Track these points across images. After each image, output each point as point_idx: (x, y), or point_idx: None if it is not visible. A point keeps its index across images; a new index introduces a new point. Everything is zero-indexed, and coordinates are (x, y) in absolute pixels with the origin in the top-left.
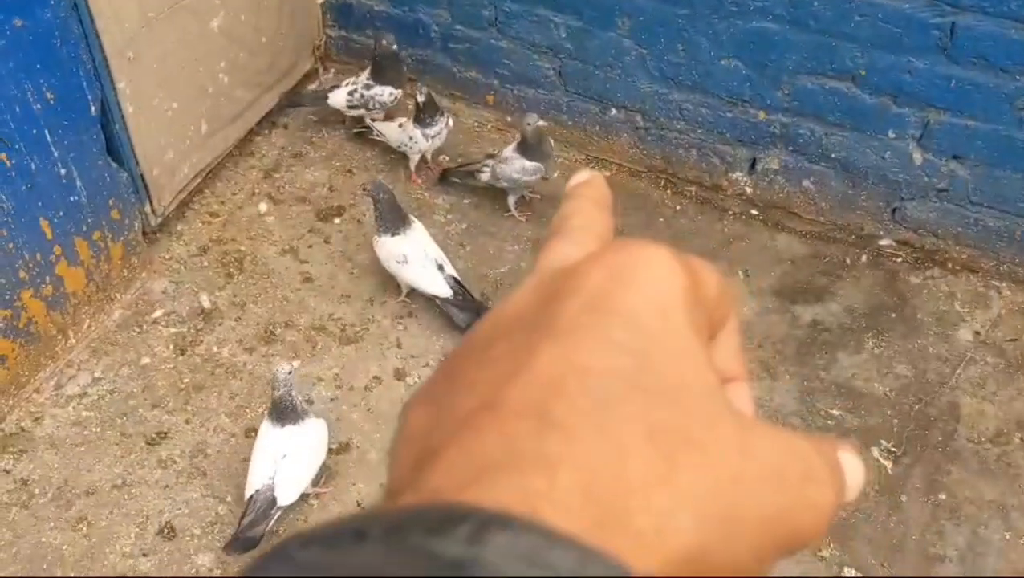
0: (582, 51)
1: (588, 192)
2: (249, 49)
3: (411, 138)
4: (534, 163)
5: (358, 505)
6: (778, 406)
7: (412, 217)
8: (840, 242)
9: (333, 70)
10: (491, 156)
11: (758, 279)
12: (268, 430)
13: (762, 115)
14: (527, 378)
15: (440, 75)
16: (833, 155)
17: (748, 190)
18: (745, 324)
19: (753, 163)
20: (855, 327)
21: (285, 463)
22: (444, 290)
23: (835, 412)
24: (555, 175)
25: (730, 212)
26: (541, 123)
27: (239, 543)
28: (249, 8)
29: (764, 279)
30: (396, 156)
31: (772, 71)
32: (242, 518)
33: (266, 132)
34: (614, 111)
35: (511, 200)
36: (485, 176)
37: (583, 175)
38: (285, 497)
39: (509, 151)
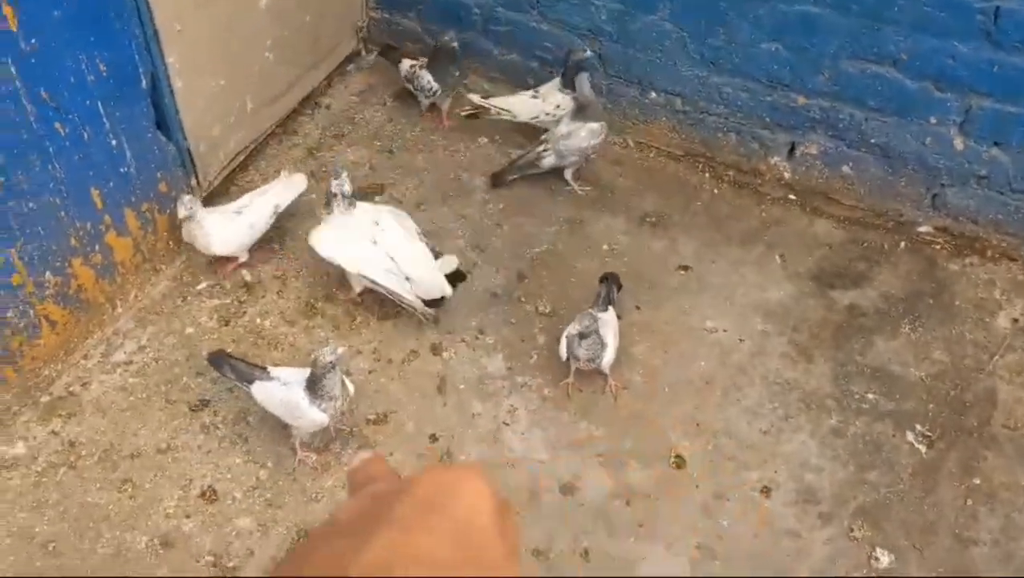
0: (623, 34)
1: (375, 466)
2: (294, 28)
3: (558, 106)
4: (599, 122)
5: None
6: (813, 389)
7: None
8: (879, 228)
9: (375, 52)
10: (542, 141)
11: (795, 263)
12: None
13: (802, 99)
14: (364, 559)
15: (482, 58)
16: (873, 140)
17: (787, 175)
18: (782, 308)
19: (792, 148)
20: (892, 313)
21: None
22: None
23: (870, 396)
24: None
25: (768, 197)
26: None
27: None
28: None
29: (801, 263)
30: (438, 138)
31: (813, 55)
32: None
33: (309, 112)
34: (654, 94)
35: (569, 174)
36: (549, 160)
37: (364, 454)
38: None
39: (565, 125)
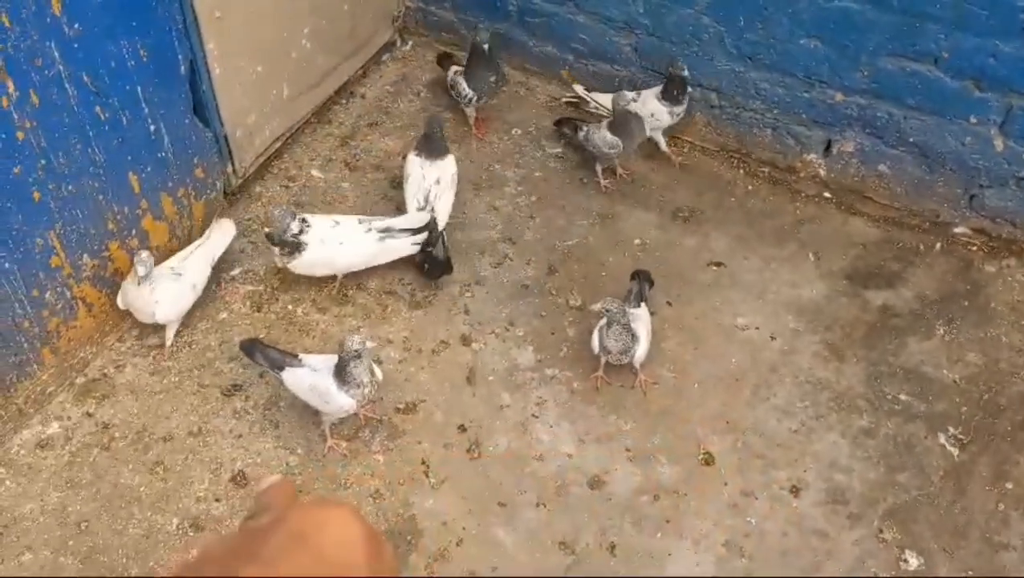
0: (659, 27)
1: (277, 491)
2: (332, 17)
3: (652, 115)
4: (615, 137)
5: (423, 462)
6: (845, 389)
7: (450, 156)
8: (914, 228)
9: (411, 42)
10: (589, 123)
11: (829, 262)
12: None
13: (839, 96)
14: None
15: (516, 50)
16: (911, 139)
17: (822, 172)
18: (815, 306)
19: (828, 145)
20: (926, 314)
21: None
22: (412, 221)
23: (903, 397)
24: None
25: (803, 194)
26: (632, 104)
27: None
28: None
29: (835, 262)
30: (472, 129)
31: (852, 51)
32: None
33: (344, 101)
34: (689, 88)
35: (598, 167)
36: (581, 135)
37: (272, 479)
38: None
39: (600, 125)
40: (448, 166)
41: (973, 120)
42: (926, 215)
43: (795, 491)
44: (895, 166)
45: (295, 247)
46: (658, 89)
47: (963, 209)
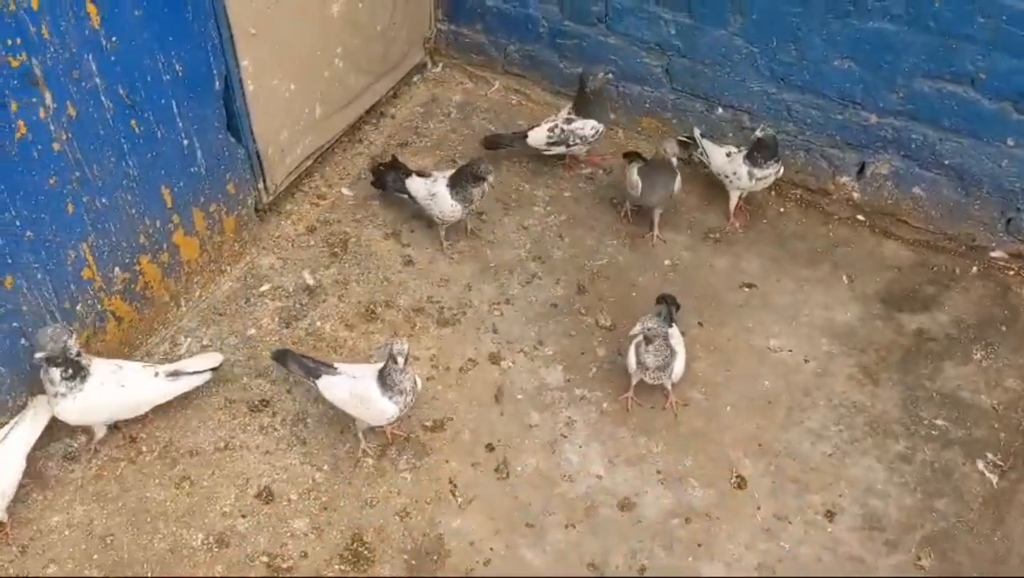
0: (691, 48)
1: None
2: (365, 37)
3: (735, 173)
4: (637, 180)
5: (450, 481)
6: (880, 413)
7: (476, 198)
8: (950, 252)
9: (441, 64)
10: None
11: (863, 284)
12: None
13: (874, 118)
14: None
15: (547, 71)
16: (947, 162)
17: (855, 195)
18: (849, 329)
19: (862, 168)
20: (963, 338)
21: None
22: (204, 363)
23: (939, 422)
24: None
25: (836, 216)
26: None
27: None
28: None
29: (869, 285)
30: (502, 150)
31: (887, 73)
32: None
33: (374, 121)
34: (720, 110)
35: (627, 204)
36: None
37: None
38: None
39: (634, 165)
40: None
41: (1011, 142)
42: (962, 239)
43: (830, 516)
44: (930, 189)
45: (77, 369)
46: (744, 151)
47: (1000, 233)
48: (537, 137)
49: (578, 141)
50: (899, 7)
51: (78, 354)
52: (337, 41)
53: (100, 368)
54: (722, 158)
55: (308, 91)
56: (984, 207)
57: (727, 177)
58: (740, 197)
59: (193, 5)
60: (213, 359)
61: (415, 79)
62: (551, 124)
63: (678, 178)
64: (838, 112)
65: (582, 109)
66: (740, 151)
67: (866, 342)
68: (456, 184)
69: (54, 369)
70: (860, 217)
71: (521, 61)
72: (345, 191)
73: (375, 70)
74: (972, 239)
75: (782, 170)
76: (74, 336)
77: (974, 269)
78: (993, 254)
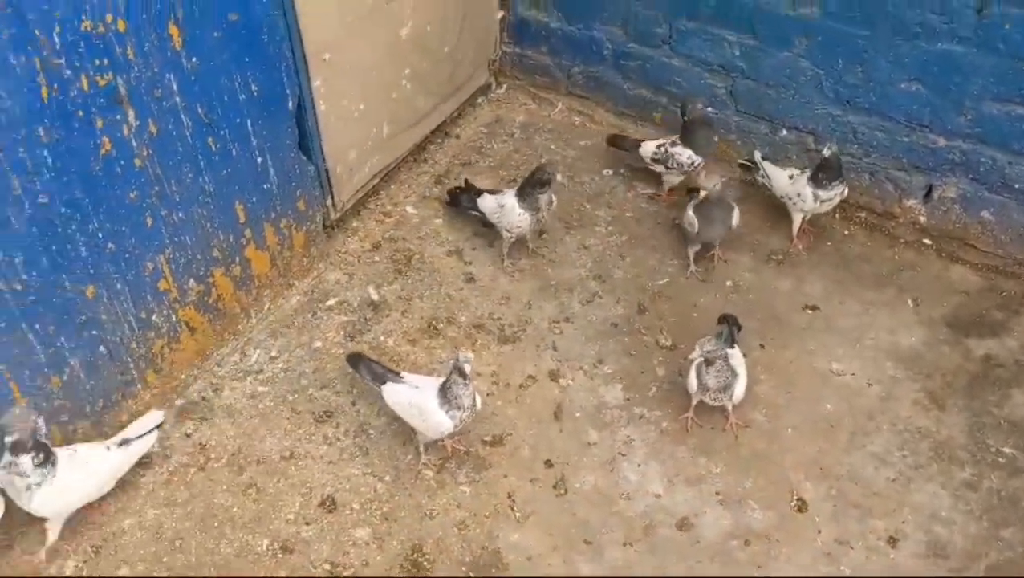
0: (755, 70)
1: None
2: (432, 59)
3: (798, 195)
4: (694, 216)
5: (509, 496)
6: (945, 439)
7: (543, 206)
8: (1019, 277)
9: (505, 85)
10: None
11: (929, 309)
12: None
13: (941, 141)
14: None
15: (610, 92)
16: (1016, 185)
17: (922, 218)
18: (914, 353)
19: (929, 191)
20: None
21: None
22: (144, 425)
23: (1007, 450)
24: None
25: (901, 240)
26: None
27: None
28: (436, 19)
29: (935, 309)
30: (564, 169)
31: (955, 95)
32: None
33: (439, 141)
34: (784, 132)
35: (689, 248)
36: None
37: None
38: None
39: (691, 201)
40: None
41: None
42: None
43: (892, 542)
44: (999, 213)
45: (48, 453)
46: (808, 173)
47: None
48: (646, 150)
49: (675, 166)
50: (967, 29)
51: (46, 436)
52: (406, 63)
53: (59, 453)
54: (785, 180)
55: (377, 111)
56: None
57: (790, 199)
58: (803, 219)
59: (269, 28)
60: (155, 418)
61: (480, 100)
62: (660, 142)
63: (736, 212)
64: (905, 134)
65: (684, 137)
66: (803, 173)
67: (932, 367)
68: (523, 193)
69: (24, 457)
70: (927, 241)
71: (585, 82)
72: (410, 209)
73: (441, 91)
74: None
75: (846, 191)
76: (41, 416)
77: None
78: None
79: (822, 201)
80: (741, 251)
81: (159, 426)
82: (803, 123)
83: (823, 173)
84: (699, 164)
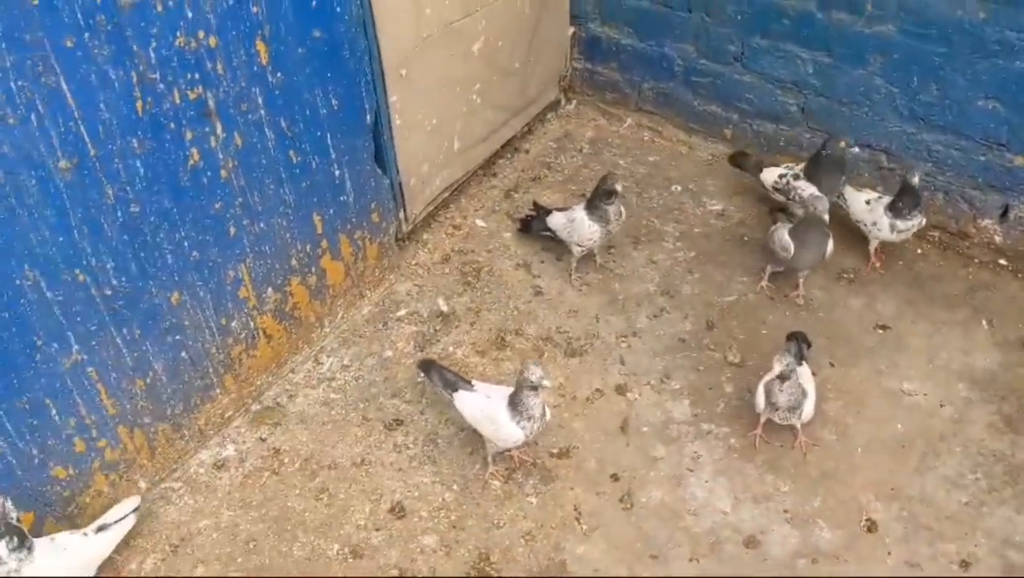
0: (828, 87)
1: None
2: (503, 74)
3: (875, 223)
4: (789, 241)
5: (575, 509)
6: (1020, 463)
7: (612, 217)
8: None
9: (575, 101)
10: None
11: (1004, 330)
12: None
13: (1019, 160)
14: None
15: (680, 109)
16: None
17: (997, 239)
18: (988, 375)
19: (1005, 210)
20: None
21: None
22: (119, 510)
23: None
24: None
25: (976, 260)
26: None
27: None
28: (507, 35)
29: (1011, 331)
30: (631, 184)
31: None
32: None
33: (508, 155)
34: (857, 149)
35: (768, 268)
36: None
37: None
38: None
39: (785, 224)
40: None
41: None
42: None
43: (965, 566)
44: None
45: (22, 537)
46: (887, 200)
47: None
48: (768, 177)
49: (797, 199)
50: None
51: (18, 520)
52: (477, 78)
53: (37, 542)
54: (862, 205)
55: (448, 126)
56: None
57: (866, 226)
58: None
59: (350, 44)
60: (132, 502)
61: (549, 115)
62: (783, 172)
63: (831, 239)
64: (981, 153)
65: (812, 171)
66: (880, 199)
67: (1007, 389)
68: (591, 206)
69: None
70: (1002, 261)
71: (655, 99)
72: (479, 222)
73: (511, 106)
74: None
75: (924, 221)
76: (8, 499)
77: None
78: None
79: (899, 232)
80: (816, 267)
81: (135, 510)
82: (876, 141)
83: (903, 202)
84: (823, 203)
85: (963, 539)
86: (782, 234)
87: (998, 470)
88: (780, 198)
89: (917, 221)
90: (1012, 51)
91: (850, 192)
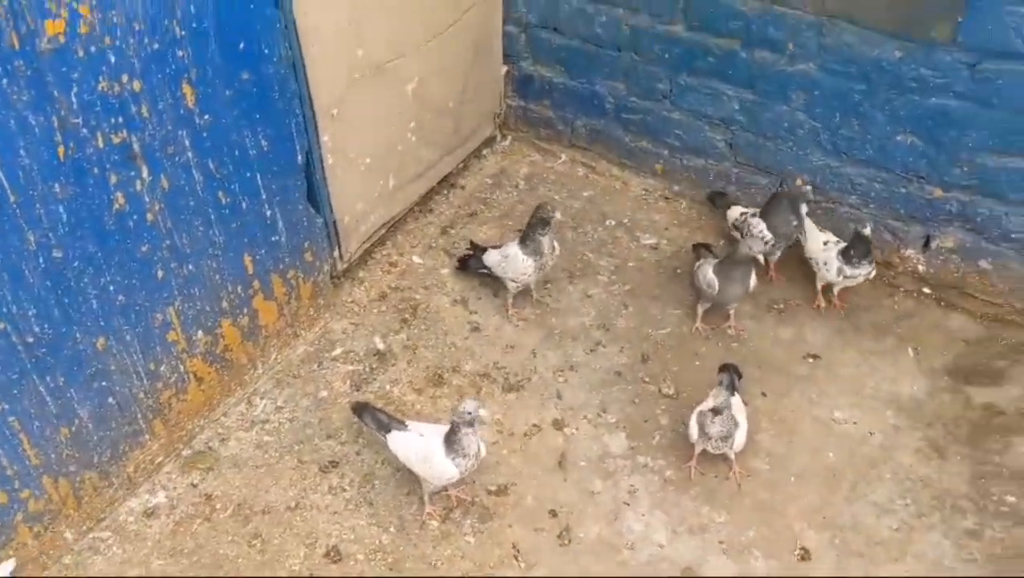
0: (754, 123)
1: None
2: (437, 113)
3: (826, 263)
4: (714, 279)
5: (513, 546)
6: (947, 488)
7: (546, 250)
8: (1019, 325)
9: (510, 137)
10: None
11: (929, 358)
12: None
13: (938, 192)
14: None
15: (612, 144)
16: (1014, 235)
17: (921, 268)
18: (915, 402)
19: (927, 241)
20: None
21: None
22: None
23: (1010, 498)
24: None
25: (901, 289)
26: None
27: None
28: (440, 75)
29: (936, 358)
30: (567, 219)
31: (951, 148)
32: None
33: (445, 192)
34: (809, 188)
35: (699, 307)
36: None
37: None
38: None
39: (709, 261)
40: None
41: None
42: None
43: None
44: (997, 262)
45: None
46: (841, 244)
47: None
48: (732, 214)
49: (749, 236)
50: (962, 84)
51: None
52: (411, 117)
53: None
54: (819, 244)
55: (383, 164)
56: None
57: (817, 264)
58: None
59: (280, 86)
60: (5, 568)
61: (484, 152)
62: (743, 209)
63: (754, 273)
64: (902, 186)
65: (766, 210)
66: (839, 243)
67: (933, 416)
68: (525, 238)
69: None
70: (926, 290)
71: (588, 135)
72: (416, 259)
73: (447, 144)
74: None
75: (873, 273)
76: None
77: None
78: None
79: (846, 277)
80: (743, 300)
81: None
82: (802, 174)
83: (855, 251)
84: (771, 243)
85: (894, 564)
86: (706, 270)
87: (926, 496)
88: (736, 234)
89: (865, 271)
90: (928, 88)
91: (811, 228)
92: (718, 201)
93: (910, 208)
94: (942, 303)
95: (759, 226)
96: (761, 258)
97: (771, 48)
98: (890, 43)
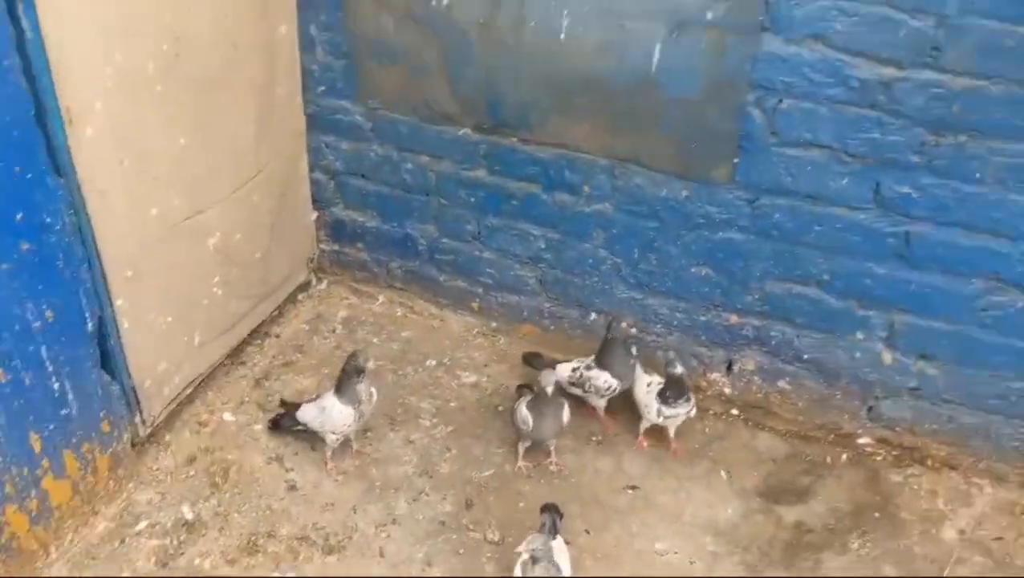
0: (560, 261)
1: None
2: (243, 265)
3: (647, 405)
4: (528, 414)
5: None
6: None
7: (363, 398)
8: (820, 441)
9: (326, 281)
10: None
11: (741, 479)
12: None
13: (734, 318)
14: None
15: (428, 285)
16: (806, 356)
17: (727, 390)
18: (731, 526)
19: (730, 364)
20: (839, 527)
21: None
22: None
23: None
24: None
25: (711, 412)
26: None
27: None
28: (244, 227)
29: (747, 479)
30: (386, 363)
31: (740, 277)
32: None
33: (258, 342)
34: (594, 316)
35: (520, 446)
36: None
37: None
38: None
39: (523, 399)
40: None
41: (860, 336)
42: (830, 428)
43: None
44: (794, 381)
45: None
46: (661, 385)
47: (864, 420)
48: (561, 372)
49: (592, 390)
50: (744, 219)
51: None
52: (215, 272)
53: None
54: (643, 387)
55: (186, 322)
56: (846, 397)
57: (641, 407)
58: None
59: (65, 254)
60: None
61: (300, 296)
62: (576, 365)
63: (567, 407)
64: (701, 314)
65: (602, 357)
66: (661, 384)
67: (748, 538)
68: (340, 388)
69: None
70: (734, 411)
71: (403, 276)
72: (227, 416)
73: (257, 293)
74: (839, 427)
75: (694, 411)
76: None
77: (844, 457)
78: (860, 441)
79: (666, 417)
80: (560, 434)
81: None
82: (609, 307)
83: (670, 391)
84: (616, 388)
85: None
86: (521, 408)
87: None
88: (577, 392)
89: (684, 410)
90: (714, 223)
91: (639, 372)
92: (536, 362)
93: (711, 334)
94: (749, 423)
95: (601, 378)
96: (603, 403)
97: (569, 190)
98: (676, 183)
